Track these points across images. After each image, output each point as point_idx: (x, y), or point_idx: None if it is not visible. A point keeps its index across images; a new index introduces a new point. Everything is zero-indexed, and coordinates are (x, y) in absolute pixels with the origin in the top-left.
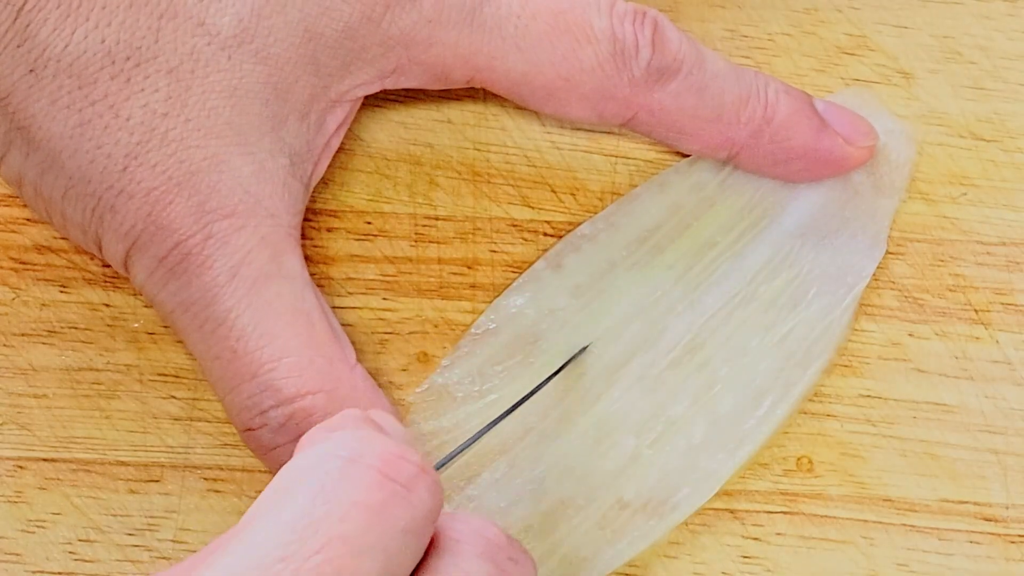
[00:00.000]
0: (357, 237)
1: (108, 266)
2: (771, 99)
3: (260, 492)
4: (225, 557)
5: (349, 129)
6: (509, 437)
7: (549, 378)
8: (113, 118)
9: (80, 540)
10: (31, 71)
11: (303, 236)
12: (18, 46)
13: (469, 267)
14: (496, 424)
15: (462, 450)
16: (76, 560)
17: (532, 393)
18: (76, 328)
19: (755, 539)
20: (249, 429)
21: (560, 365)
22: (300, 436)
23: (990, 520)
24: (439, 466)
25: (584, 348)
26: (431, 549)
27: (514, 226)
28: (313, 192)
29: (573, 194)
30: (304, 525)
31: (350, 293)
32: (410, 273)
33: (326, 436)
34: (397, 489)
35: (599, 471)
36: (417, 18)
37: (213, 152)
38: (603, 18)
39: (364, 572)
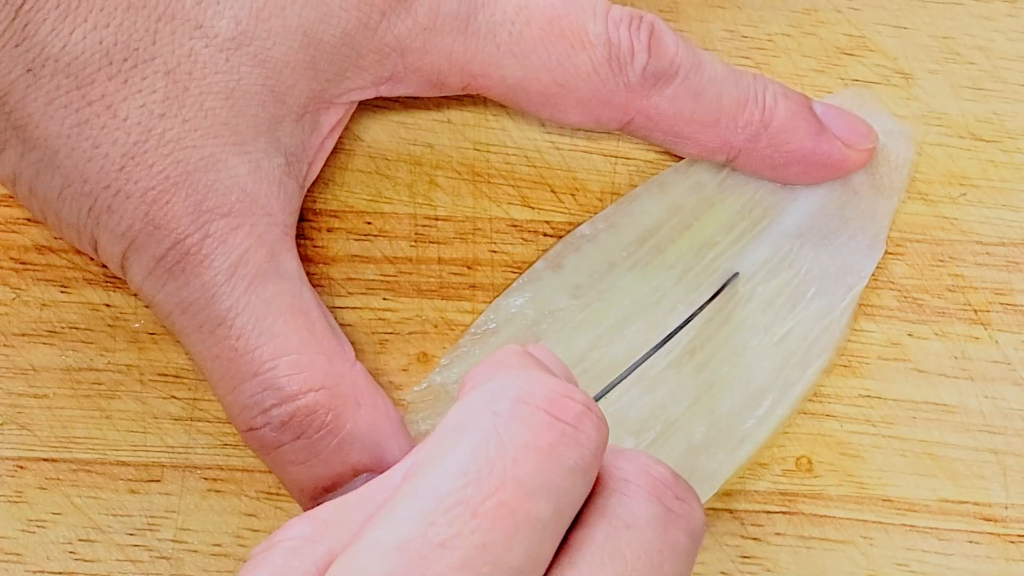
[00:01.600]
0: (357, 237)
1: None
2: (769, 103)
3: (261, 492)
4: (405, 501)
5: (349, 129)
6: None
7: (703, 306)
8: (111, 118)
9: (80, 540)
10: (29, 70)
11: (304, 236)
12: (16, 45)
13: (469, 267)
14: (648, 357)
15: (619, 381)
16: (76, 560)
17: (685, 323)
18: (77, 328)
19: (754, 539)
20: (251, 429)
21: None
22: (302, 435)
23: (989, 520)
24: (598, 398)
25: (735, 275)
26: (598, 487)
27: (514, 226)
28: (313, 192)
29: (573, 194)
30: (478, 468)
31: (350, 293)
32: (410, 273)
33: (491, 375)
34: (565, 428)
35: None
36: (412, 25)
37: (210, 152)
38: (598, 23)
39: (537, 512)
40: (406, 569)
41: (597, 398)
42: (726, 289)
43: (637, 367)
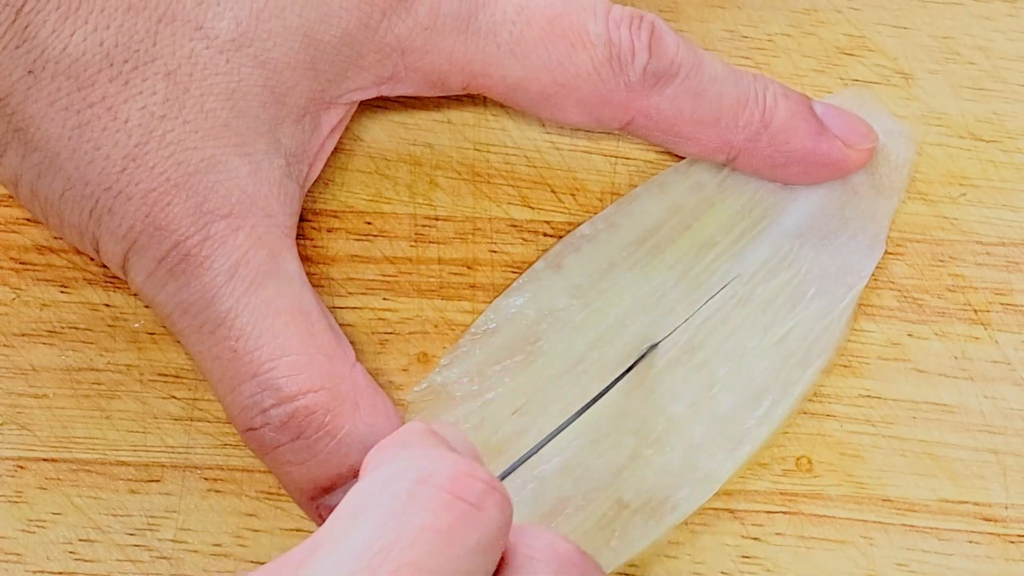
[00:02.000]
0: (357, 237)
1: (111, 270)
2: (769, 103)
3: (261, 492)
4: None
5: (349, 129)
6: (506, 437)
7: (615, 382)
8: (111, 120)
9: (80, 540)
10: (30, 72)
11: (304, 236)
12: (17, 47)
13: (469, 267)
14: (558, 433)
15: (525, 460)
16: (76, 560)
17: (595, 400)
18: (77, 328)
19: (755, 539)
20: (250, 429)
21: (627, 367)
22: (301, 436)
23: (989, 520)
24: (503, 476)
25: (653, 346)
26: (503, 565)
27: (514, 226)
28: (313, 192)
29: (573, 194)
30: (375, 551)
31: (350, 293)
32: (410, 273)
33: (393, 455)
34: (467, 509)
35: (598, 471)
36: (413, 25)
37: (211, 153)
38: (599, 23)
39: None
40: None
41: (503, 476)
42: (643, 360)
43: (548, 442)
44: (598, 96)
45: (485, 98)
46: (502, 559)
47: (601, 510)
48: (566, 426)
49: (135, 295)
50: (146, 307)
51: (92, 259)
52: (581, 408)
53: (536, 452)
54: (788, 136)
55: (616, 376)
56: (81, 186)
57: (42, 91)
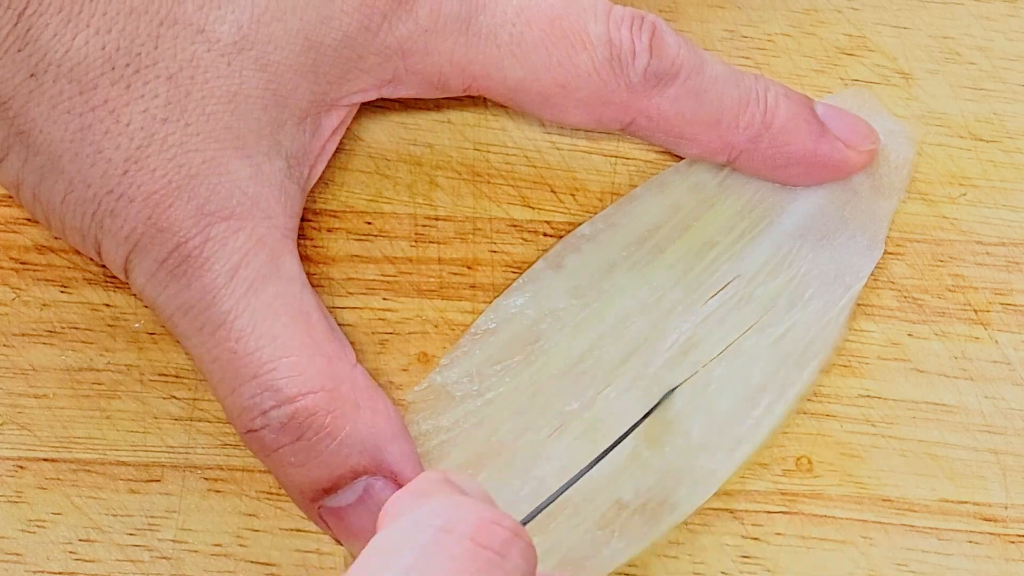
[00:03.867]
0: (357, 237)
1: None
2: (770, 104)
3: (261, 492)
4: None
5: (349, 129)
6: (506, 437)
7: (639, 422)
8: (113, 123)
9: (81, 540)
10: (32, 75)
11: (304, 236)
12: (19, 50)
13: (469, 267)
14: (578, 479)
15: (548, 504)
16: (76, 560)
17: (613, 446)
18: (77, 328)
19: (754, 539)
20: (251, 431)
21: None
22: (301, 437)
23: (989, 520)
24: (525, 522)
25: (672, 390)
26: None
27: (514, 226)
28: (313, 192)
29: (573, 194)
30: None
31: (350, 293)
32: (410, 273)
33: (412, 504)
34: (492, 557)
35: (597, 471)
36: (413, 28)
37: (212, 156)
38: (599, 23)
39: None
40: None
41: (525, 521)
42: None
43: (570, 486)
44: (599, 97)
45: (485, 98)
46: None
47: (600, 510)
48: (586, 472)
49: (134, 293)
50: (146, 307)
51: (93, 260)
52: (600, 454)
53: (557, 497)
54: (789, 137)
55: (635, 421)
56: (83, 189)
57: (44, 94)
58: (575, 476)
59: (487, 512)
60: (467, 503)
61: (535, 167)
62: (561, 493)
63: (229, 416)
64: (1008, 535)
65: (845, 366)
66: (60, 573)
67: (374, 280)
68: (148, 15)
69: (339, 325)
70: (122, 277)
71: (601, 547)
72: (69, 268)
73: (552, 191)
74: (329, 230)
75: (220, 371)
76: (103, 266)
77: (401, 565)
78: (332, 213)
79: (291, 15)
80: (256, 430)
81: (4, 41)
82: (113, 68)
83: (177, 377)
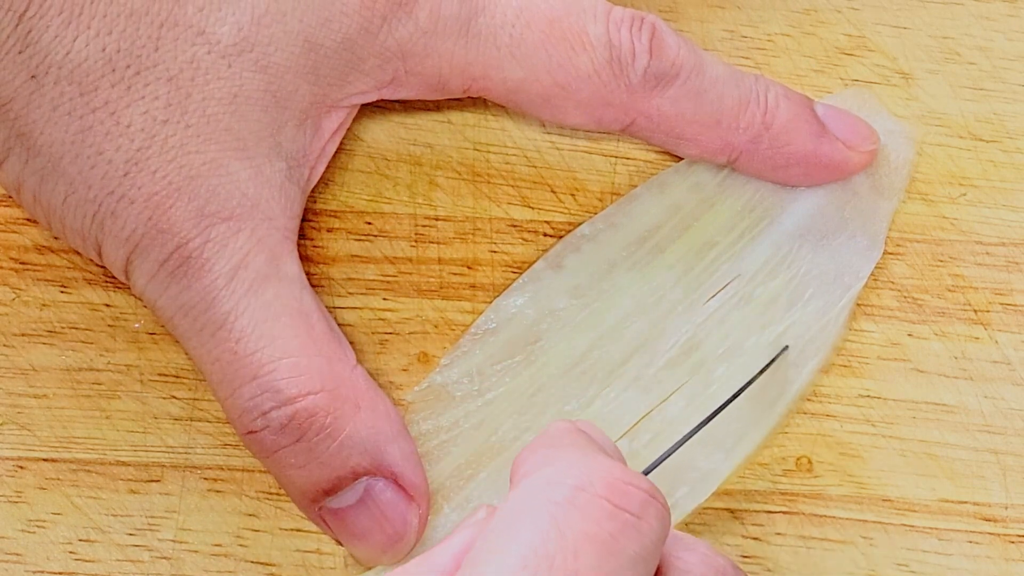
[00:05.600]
0: (357, 237)
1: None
2: (771, 104)
3: (261, 492)
4: None
5: (349, 130)
6: (506, 437)
7: (753, 379)
8: (114, 125)
9: (80, 540)
10: (32, 77)
11: (304, 236)
12: (19, 52)
13: (469, 267)
14: (696, 432)
15: (666, 457)
16: (76, 560)
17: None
18: (76, 328)
19: (755, 539)
20: (251, 432)
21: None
22: (301, 438)
23: (989, 520)
24: (649, 471)
25: (785, 348)
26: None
27: (514, 226)
28: (313, 192)
29: (573, 194)
30: (538, 561)
31: (350, 293)
32: (410, 273)
33: (545, 459)
34: (628, 518)
35: None
36: (413, 29)
37: (212, 157)
38: (599, 25)
39: None
40: None
41: (648, 471)
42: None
43: (692, 436)
44: (599, 98)
45: (485, 99)
46: (657, 570)
47: None
48: (700, 428)
49: (134, 293)
50: (146, 307)
51: (94, 261)
52: (716, 410)
53: (671, 454)
54: (789, 138)
55: (752, 376)
56: (84, 190)
57: (45, 96)
58: (689, 432)
59: (621, 472)
60: (600, 461)
61: (535, 167)
62: (676, 450)
63: (229, 417)
64: (1008, 535)
65: (845, 366)
66: (60, 573)
67: (374, 280)
68: (148, 17)
69: (339, 325)
70: (122, 278)
71: None
72: (69, 268)
73: (552, 191)
74: (329, 230)
75: (220, 372)
76: (103, 267)
77: (537, 523)
78: (332, 213)
79: (291, 17)
80: (256, 431)
81: (5, 43)
82: (114, 70)
83: (177, 377)
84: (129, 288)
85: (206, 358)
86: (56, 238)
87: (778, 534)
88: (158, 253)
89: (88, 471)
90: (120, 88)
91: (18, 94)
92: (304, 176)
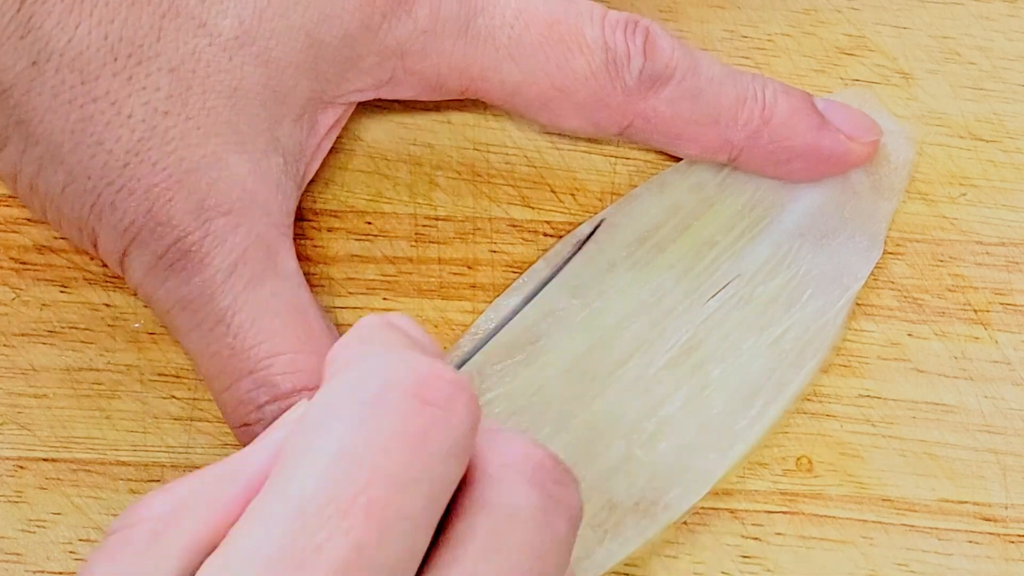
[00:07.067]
0: (357, 237)
1: (108, 266)
2: (769, 100)
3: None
4: (273, 501)
5: (349, 129)
6: None
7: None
8: (115, 115)
9: (80, 540)
10: (33, 64)
11: (304, 236)
12: (21, 38)
13: (469, 267)
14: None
15: (482, 345)
16: (77, 560)
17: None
18: (76, 328)
19: (755, 539)
20: (245, 424)
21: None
22: None
23: (989, 520)
24: (461, 363)
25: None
26: (475, 473)
27: (514, 226)
28: (313, 192)
29: (573, 194)
30: (346, 463)
31: (350, 293)
32: (410, 273)
33: (354, 356)
34: (436, 412)
35: (591, 471)
36: (413, 28)
37: (212, 150)
38: (595, 28)
39: (411, 506)
40: None
41: (460, 364)
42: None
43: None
44: (596, 100)
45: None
46: (473, 466)
47: (592, 510)
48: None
49: (134, 293)
50: (145, 306)
51: (91, 256)
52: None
53: (492, 337)
54: (790, 132)
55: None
56: (83, 180)
57: (46, 84)
58: (508, 314)
59: (428, 366)
60: (407, 357)
61: (535, 167)
62: (497, 332)
63: (223, 410)
64: (1008, 535)
65: (845, 366)
66: (60, 573)
67: (374, 280)
68: (151, 7)
69: (339, 325)
70: (117, 270)
71: (594, 548)
72: (69, 268)
73: (552, 191)
74: (329, 230)
75: (217, 366)
76: (103, 265)
77: (345, 424)
78: (332, 213)
79: (293, 12)
80: (250, 424)
81: (6, 28)
82: (115, 59)
83: (177, 377)
84: (127, 285)
85: (203, 352)
86: (57, 237)
87: (778, 534)
88: (156, 246)
89: (88, 471)
90: (121, 78)
91: (18, 81)
92: (300, 172)
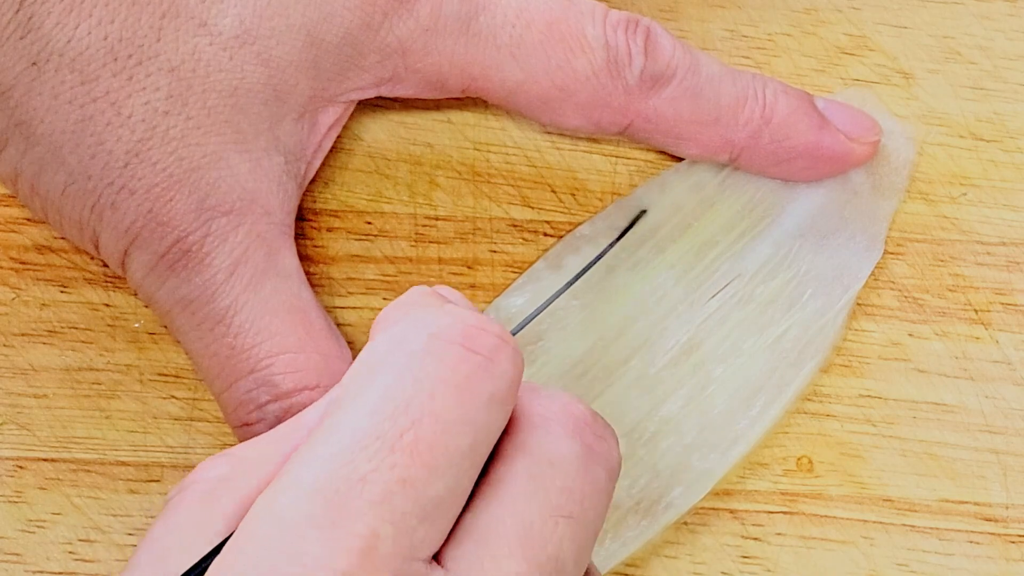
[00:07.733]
0: (357, 237)
1: (108, 266)
2: (769, 99)
3: None
4: (323, 438)
5: (349, 129)
6: None
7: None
8: (115, 115)
9: (80, 540)
10: (33, 64)
11: (304, 236)
12: (21, 38)
13: (469, 267)
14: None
15: (536, 315)
16: (76, 560)
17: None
18: (76, 328)
19: (755, 539)
20: (245, 424)
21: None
22: None
23: (990, 520)
24: (515, 332)
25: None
26: (518, 423)
27: (514, 226)
28: (313, 192)
29: (573, 194)
30: (395, 404)
31: (351, 293)
32: (410, 273)
33: (402, 315)
34: (480, 361)
35: None
36: (414, 27)
37: (213, 150)
38: (596, 27)
39: (456, 445)
40: (326, 506)
41: (515, 332)
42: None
43: (548, 306)
44: (597, 100)
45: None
46: (517, 417)
47: None
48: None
49: (134, 293)
50: (145, 306)
51: (91, 256)
52: (578, 273)
53: (537, 315)
54: (790, 131)
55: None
56: (83, 181)
57: (46, 84)
58: (552, 296)
59: (473, 318)
60: (453, 311)
61: (535, 167)
62: (539, 313)
63: (224, 410)
64: (1008, 535)
65: (845, 366)
66: (60, 573)
67: (374, 280)
68: (151, 7)
69: (339, 325)
70: (118, 271)
71: (595, 547)
72: (69, 268)
73: (552, 191)
74: (329, 230)
75: (217, 366)
76: (103, 265)
77: (393, 371)
78: (332, 213)
79: (293, 10)
80: (251, 424)
81: (6, 29)
82: (115, 59)
83: (177, 377)
84: (127, 285)
85: (204, 352)
86: (57, 237)
87: (778, 534)
88: (157, 246)
89: (88, 471)
90: (121, 78)
91: (18, 81)
92: (301, 171)
